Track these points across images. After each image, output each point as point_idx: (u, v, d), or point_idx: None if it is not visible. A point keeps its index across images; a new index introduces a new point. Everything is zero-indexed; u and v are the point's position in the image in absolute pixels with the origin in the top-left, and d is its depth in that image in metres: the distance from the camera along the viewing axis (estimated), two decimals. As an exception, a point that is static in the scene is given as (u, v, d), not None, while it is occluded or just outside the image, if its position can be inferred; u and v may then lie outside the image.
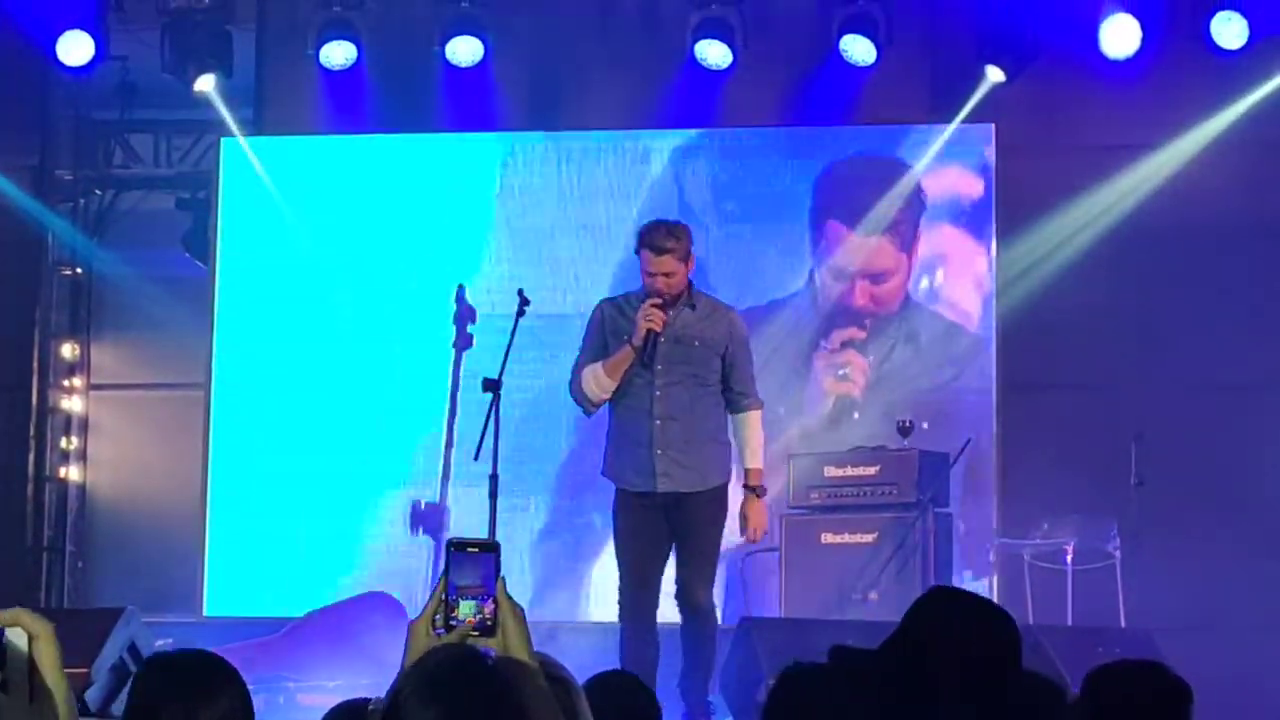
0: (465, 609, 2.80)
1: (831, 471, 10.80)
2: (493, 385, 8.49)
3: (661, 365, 7.89)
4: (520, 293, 8.76)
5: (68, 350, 13.81)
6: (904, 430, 11.03)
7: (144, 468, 13.55)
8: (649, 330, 7.82)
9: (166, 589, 12.65)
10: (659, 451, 8.00)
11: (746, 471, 8.36)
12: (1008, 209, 12.16)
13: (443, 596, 2.81)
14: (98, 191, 13.90)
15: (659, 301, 7.85)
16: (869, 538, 10.47)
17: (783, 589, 10.66)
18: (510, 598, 2.89)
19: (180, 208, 13.48)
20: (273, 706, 10.58)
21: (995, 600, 10.89)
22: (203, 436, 12.84)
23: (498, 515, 8.56)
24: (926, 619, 2.91)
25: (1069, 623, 10.41)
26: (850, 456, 11.03)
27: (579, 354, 8.28)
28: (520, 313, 8.65)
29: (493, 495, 8.45)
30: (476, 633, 2.82)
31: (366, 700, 4.86)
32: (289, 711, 10.04)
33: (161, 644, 11.21)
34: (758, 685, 8.18)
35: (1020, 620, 9.69)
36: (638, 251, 7.92)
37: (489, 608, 2.80)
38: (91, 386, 13.84)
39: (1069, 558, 10.70)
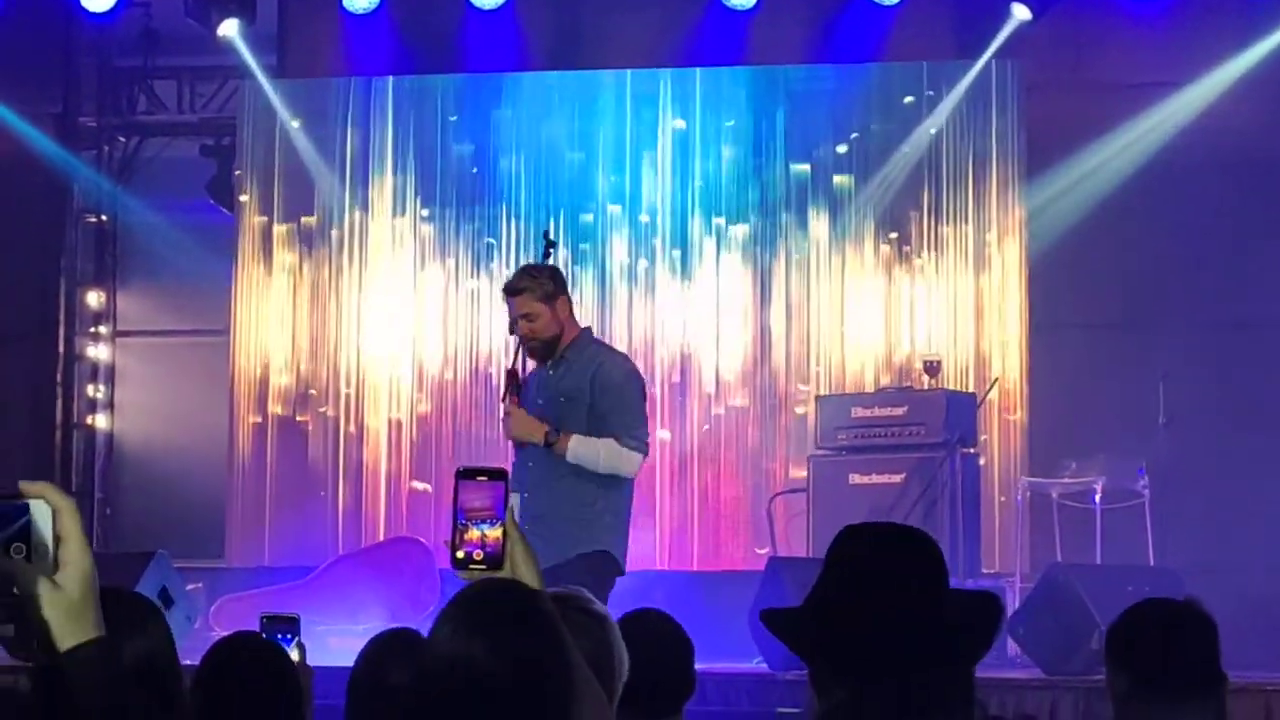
0: (474, 533, 2.84)
1: (859, 412, 10.80)
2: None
3: (515, 444, 7.21)
4: (546, 234, 8.75)
5: (93, 298, 13.83)
6: (931, 369, 11.02)
7: (171, 414, 13.59)
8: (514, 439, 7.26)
9: (193, 535, 12.70)
10: (527, 526, 7.16)
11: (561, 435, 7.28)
12: (1034, 148, 12.13)
13: (453, 524, 2.86)
14: (121, 139, 13.91)
15: (507, 407, 7.23)
16: (896, 478, 10.48)
17: (810, 529, 10.67)
18: (519, 528, 2.93)
19: (204, 154, 13.48)
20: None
21: (1025, 540, 10.96)
22: (228, 383, 12.90)
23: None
24: (845, 556, 2.94)
25: (1098, 561, 10.42)
26: (877, 397, 11.03)
27: None
28: (546, 254, 8.61)
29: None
30: (483, 566, 2.85)
31: (411, 629, 4.89)
32: (318, 654, 10.01)
33: (192, 588, 11.31)
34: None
35: (1049, 559, 9.78)
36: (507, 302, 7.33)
37: (497, 532, 2.84)
38: (118, 334, 13.87)
39: (1097, 497, 10.70)
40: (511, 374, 7.22)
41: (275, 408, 12.83)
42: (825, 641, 2.87)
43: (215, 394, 13.05)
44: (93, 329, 13.81)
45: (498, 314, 12.33)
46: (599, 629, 3.53)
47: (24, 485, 2.00)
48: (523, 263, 12.45)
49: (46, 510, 1.98)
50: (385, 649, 4.49)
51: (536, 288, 7.15)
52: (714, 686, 8.28)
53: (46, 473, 13.38)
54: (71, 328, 13.73)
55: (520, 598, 2.71)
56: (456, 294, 12.69)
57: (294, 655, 4.42)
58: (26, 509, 1.98)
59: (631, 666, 3.54)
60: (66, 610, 1.97)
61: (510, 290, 7.23)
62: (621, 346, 12.29)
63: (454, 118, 12.80)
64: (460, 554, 2.86)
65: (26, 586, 1.95)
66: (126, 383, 13.87)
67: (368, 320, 12.78)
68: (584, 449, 7.07)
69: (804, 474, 11.06)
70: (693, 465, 12.23)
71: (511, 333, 7.34)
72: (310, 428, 12.76)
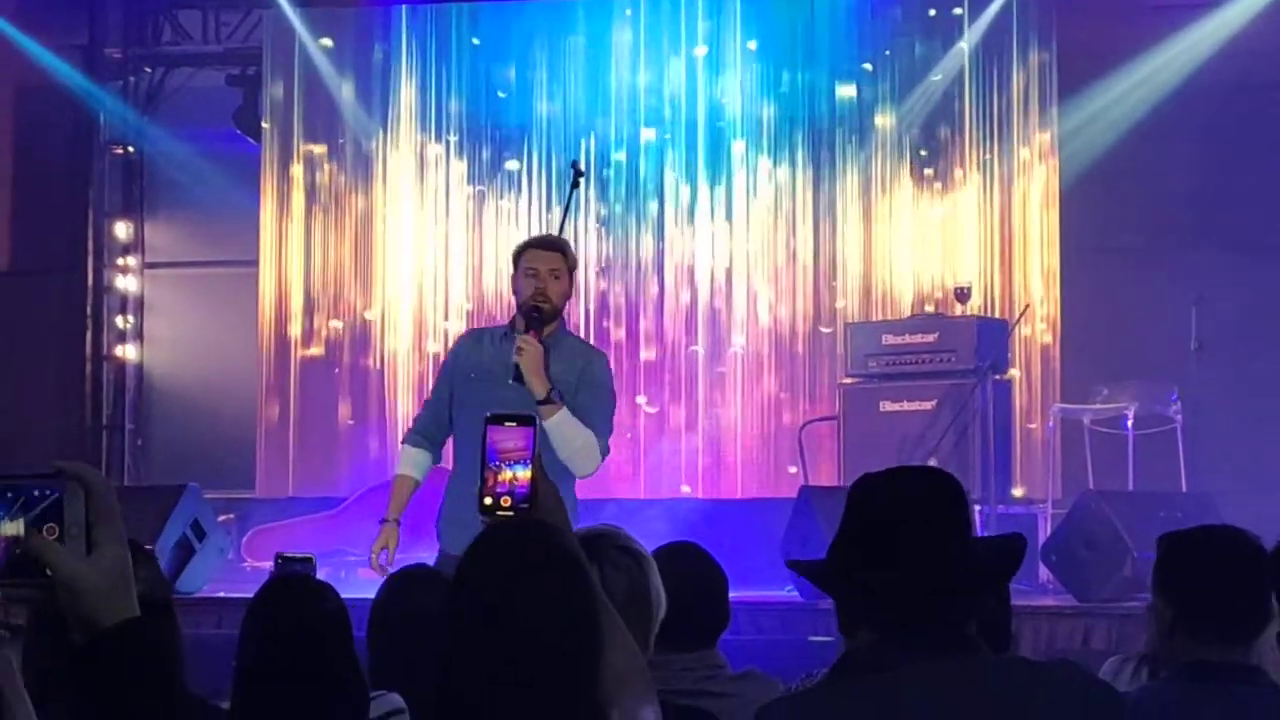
0: (506, 474, 2.85)
1: (889, 339, 10.78)
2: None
3: (515, 376, 6.58)
4: (575, 164, 8.71)
5: (122, 229, 13.85)
6: (962, 296, 10.99)
7: (199, 345, 13.62)
8: (515, 367, 6.51)
9: (223, 466, 12.76)
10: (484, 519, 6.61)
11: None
12: (1066, 70, 12.05)
13: (482, 464, 2.87)
14: (147, 69, 13.89)
15: (528, 338, 6.53)
16: (928, 405, 10.46)
17: (841, 457, 10.67)
18: (545, 474, 2.93)
19: (230, 84, 13.46)
20: (334, 580, 10.66)
21: (1057, 467, 10.94)
22: (256, 314, 12.93)
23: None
24: (865, 502, 2.94)
25: (1130, 488, 10.41)
26: (908, 324, 11.00)
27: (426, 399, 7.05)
28: (575, 184, 8.57)
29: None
30: (510, 512, 2.86)
31: (428, 565, 4.92)
32: (350, 585, 10.09)
33: (224, 519, 11.36)
34: (819, 555, 8.20)
35: (1081, 485, 9.74)
36: (517, 260, 6.69)
37: (527, 473, 2.84)
38: (146, 265, 13.89)
39: (1129, 423, 10.67)
40: (537, 312, 6.61)
41: (302, 338, 12.86)
42: (849, 587, 2.88)
43: (244, 325, 13.08)
44: (121, 260, 13.83)
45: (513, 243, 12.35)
46: (636, 567, 3.54)
47: (58, 465, 1.98)
48: (551, 189, 12.49)
49: (80, 491, 1.97)
50: (409, 582, 4.51)
51: (568, 253, 6.75)
52: (746, 615, 8.29)
53: (77, 404, 13.45)
54: (100, 259, 13.75)
55: (546, 537, 2.72)
56: (482, 222, 12.67)
57: None
58: (60, 489, 1.96)
59: (667, 600, 3.56)
60: (103, 590, 1.95)
61: (548, 245, 6.75)
62: (652, 274, 12.34)
63: (477, 41, 12.75)
64: (488, 500, 2.86)
65: (60, 567, 1.94)
66: (155, 314, 13.91)
67: (393, 249, 12.77)
68: (569, 426, 6.46)
69: (834, 403, 11.05)
70: (724, 392, 12.23)
71: (523, 298, 6.60)
72: (338, 357, 12.78)
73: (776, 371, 12.20)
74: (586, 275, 12.25)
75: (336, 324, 12.78)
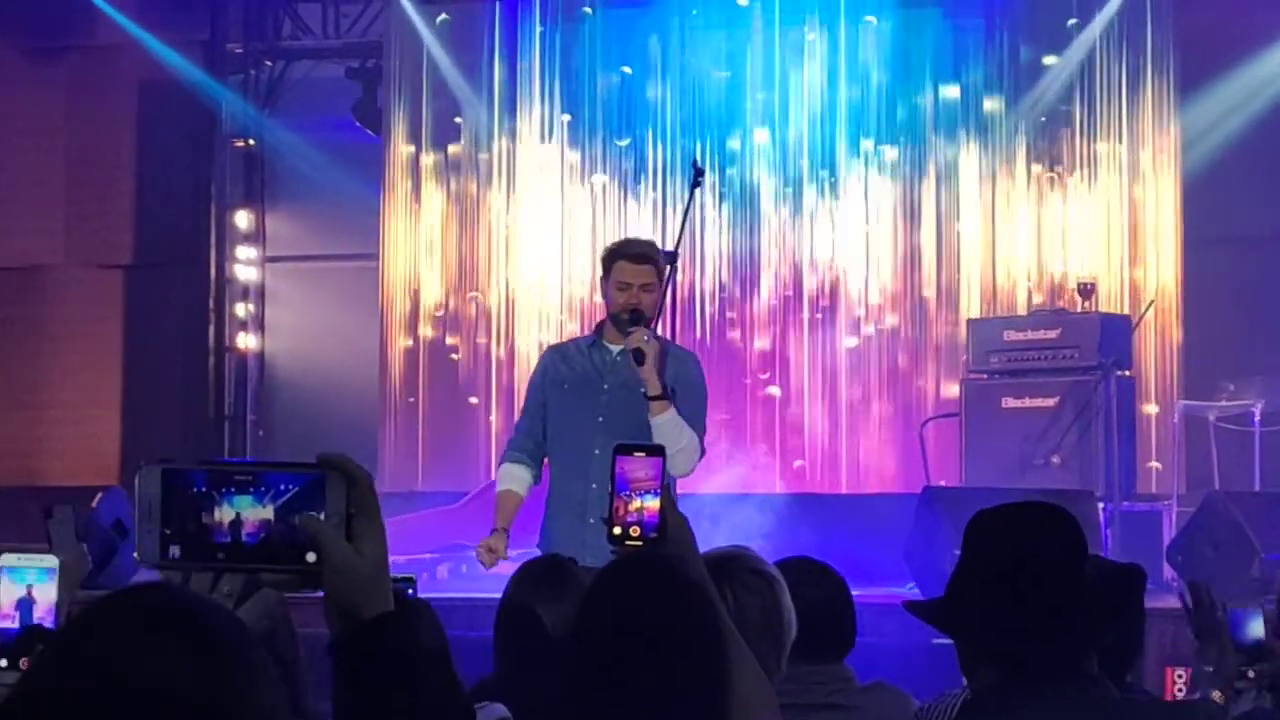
0: (635, 504, 2.91)
1: (1011, 335, 10.77)
2: (669, 258, 8.44)
3: (604, 417, 6.58)
4: (695, 163, 8.74)
5: (243, 221, 14.04)
6: (1085, 292, 10.96)
7: (321, 337, 13.78)
8: (637, 350, 6.46)
9: (346, 452, 12.91)
10: (591, 521, 6.44)
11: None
12: (1189, 62, 11.96)
13: (611, 494, 2.93)
14: (268, 63, 14.06)
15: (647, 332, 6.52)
16: (1050, 402, 10.44)
17: (964, 455, 10.68)
18: (675, 504, 2.99)
19: (350, 77, 13.60)
20: (455, 574, 10.84)
21: (1181, 464, 10.89)
22: (378, 307, 13.07)
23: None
24: (982, 542, 2.98)
25: (1256, 485, 10.34)
26: (1030, 320, 10.99)
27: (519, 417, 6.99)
28: (696, 184, 8.58)
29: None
30: (639, 542, 2.92)
31: (569, 558, 4.94)
32: (471, 580, 10.24)
33: (346, 514, 11.50)
34: (944, 556, 8.23)
35: (1205, 482, 9.69)
36: (607, 269, 6.64)
37: (656, 504, 2.91)
38: (267, 258, 14.07)
39: (1256, 419, 10.61)
40: (636, 316, 6.54)
41: (426, 331, 13.00)
42: (968, 629, 2.92)
43: (365, 317, 13.23)
44: (243, 253, 14.01)
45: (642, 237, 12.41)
46: (768, 589, 3.60)
47: (321, 456, 2.02)
48: (670, 186, 12.55)
49: (341, 481, 2.00)
50: (535, 582, 4.54)
51: (660, 263, 6.69)
52: (865, 616, 8.27)
53: (199, 395, 13.63)
54: (222, 252, 13.92)
55: (675, 570, 2.76)
56: (604, 218, 12.75)
57: None
58: (322, 478, 2.00)
59: (796, 617, 3.61)
60: (366, 581, 1.97)
61: (641, 257, 6.63)
62: (770, 269, 12.38)
63: (600, 42, 12.82)
64: (617, 530, 2.92)
65: (335, 553, 1.96)
66: (277, 305, 14.08)
67: (515, 244, 12.89)
68: (675, 426, 6.44)
69: (955, 396, 11.06)
70: (841, 386, 12.25)
71: (615, 308, 6.55)
72: (461, 351, 12.91)
73: (894, 368, 12.21)
74: (702, 271, 12.32)
75: (460, 317, 12.90)
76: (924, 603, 3.11)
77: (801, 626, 3.63)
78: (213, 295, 13.83)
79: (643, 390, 6.42)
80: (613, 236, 12.62)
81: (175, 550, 2.02)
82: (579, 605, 2.75)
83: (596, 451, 6.50)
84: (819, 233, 12.37)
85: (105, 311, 13.49)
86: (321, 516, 1.99)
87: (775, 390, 12.33)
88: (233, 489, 2.02)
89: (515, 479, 6.72)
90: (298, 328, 13.95)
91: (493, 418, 12.54)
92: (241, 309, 14.00)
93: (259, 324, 14.05)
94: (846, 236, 12.35)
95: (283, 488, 2.01)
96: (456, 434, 12.77)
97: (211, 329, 13.82)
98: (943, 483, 11.08)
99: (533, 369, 6.94)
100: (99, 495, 9.83)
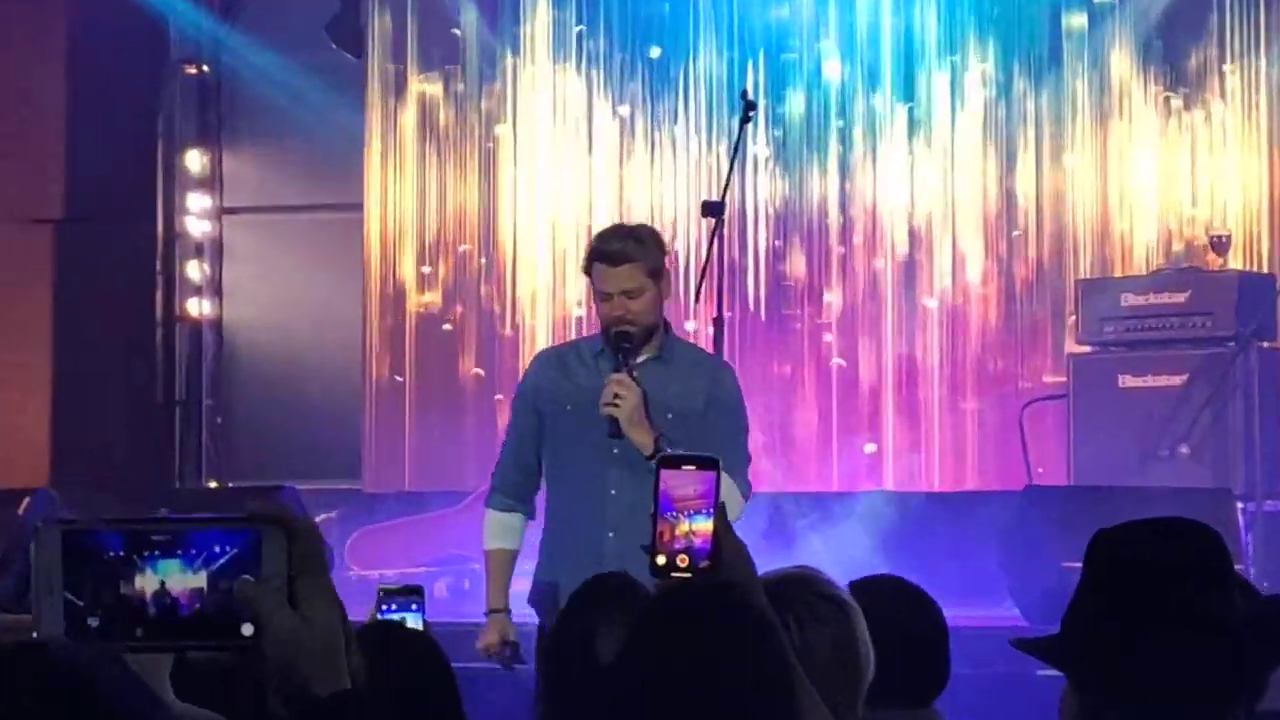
0: (684, 527, 2.92)
1: (1130, 300, 10.75)
2: (714, 209, 8.47)
3: (619, 448, 6.35)
4: (744, 94, 8.73)
5: (195, 164, 14.01)
6: (1220, 246, 10.94)
7: (290, 304, 13.72)
8: (611, 420, 6.29)
9: (321, 451, 12.93)
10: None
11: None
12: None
13: (654, 515, 2.93)
14: (226, -30, 14.07)
15: (623, 378, 6.33)
16: (1177, 379, 10.43)
17: (1071, 445, 10.67)
18: (729, 526, 2.99)
19: (325, -11, 13.58)
20: (457, 592, 10.84)
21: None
22: (360, 268, 13.11)
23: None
24: (1107, 567, 2.99)
25: None
26: (1153, 281, 10.96)
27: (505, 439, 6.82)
28: (745, 119, 8.59)
29: (717, 340, 8.46)
30: (687, 573, 2.93)
31: (625, 576, 4.92)
32: (476, 599, 10.22)
33: (323, 519, 11.54)
34: (1049, 569, 8.24)
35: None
36: (588, 270, 6.57)
37: (709, 526, 2.92)
38: (225, 209, 14.06)
39: None
40: (627, 341, 6.38)
41: (416, 296, 13.00)
42: (1093, 669, 2.93)
43: (346, 279, 13.24)
44: (195, 203, 13.99)
45: (681, 179, 12.43)
46: (843, 617, 3.59)
47: (252, 509, 2.05)
48: (715, 120, 12.53)
49: (280, 536, 2.03)
50: (599, 603, 4.56)
51: (645, 257, 6.43)
52: (958, 642, 8.28)
53: (144, 377, 13.63)
54: (170, 202, 13.93)
55: (732, 604, 2.76)
56: (631, 157, 12.75)
57: (417, 626, 4.49)
58: (257, 535, 2.03)
59: (874, 651, 3.62)
60: (314, 653, 1.99)
61: (617, 255, 6.42)
62: (835, 221, 12.36)
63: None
64: (661, 559, 2.93)
65: (278, 623, 1.99)
66: (237, 266, 14.06)
67: (526, 190, 12.89)
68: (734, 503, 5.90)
69: (1062, 377, 11.05)
70: (925, 364, 12.26)
71: (605, 323, 6.47)
72: (460, 321, 12.91)
73: (988, 339, 12.19)
74: (756, 225, 12.32)
75: (459, 280, 12.91)
76: (1039, 640, 3.11)
77: (881, 663, 3.64)
78: (160, 254, 13.84)
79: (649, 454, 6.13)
80: (643, 181, 12.65)
81: (93, 622, 2.04)
82: (620, 648, 2.76)
83: (613, 491, 6.35)
84: (894, 175, 12.35)
85: (30, 275, 13.47)
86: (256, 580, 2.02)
87: (839, 362, 12.33)
88: (156, 552, 2.04)
89: (505, 532, 6.50)
90: (262, 293, 13.93)
91: (498, 398, 12.52)
92: (194, 270, 13.99)
93: (215, 288, 14.04)
94: (927, 179, 12.32)
95: (216, 549, 2.04)
96: (454, 420, 12.77)
97: (159, 295, 13.83)
98: (1040, 470, 11.09)
99: (520, 383, 6.77)
100: (25, 500, 9.87)
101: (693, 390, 6.46)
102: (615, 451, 6.34)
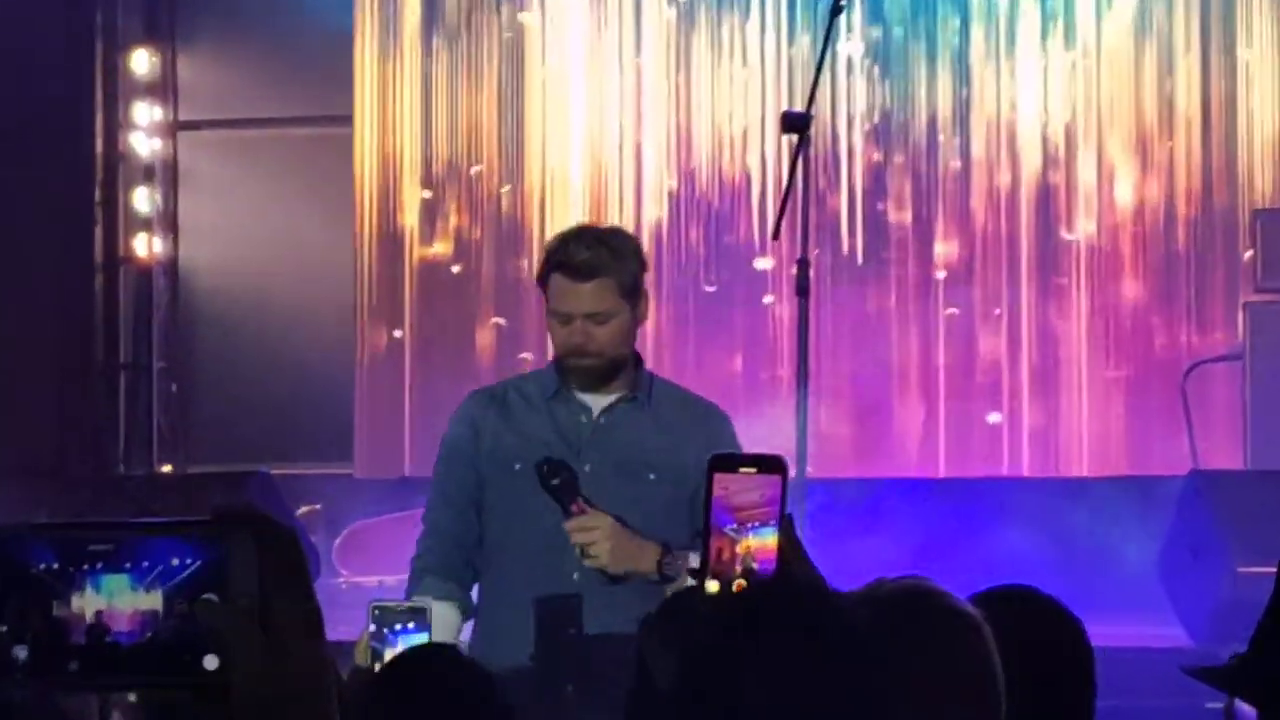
0: (745, 544, 2.95)
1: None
2: (797, 122, 8.48)
3: (585, 517, 6.05)
4: (833, -13, 8.71)
5: (142, 66, 14.04)
6: None
7: (262, 241, 13.76)
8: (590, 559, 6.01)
9: (302, 428, 12.97)
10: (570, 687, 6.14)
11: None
12: None
13: (705, 530, 2.96)
14: None
15: (579, 522, 5.98)
16: (1382, 335, 10.47)
17: (1247, 419, 10.67)
18: (798, 541, 3.02)
19: None
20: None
21: None
22: (350, 201, 13.19)
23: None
24: None
25: None
26: (1352, 209, 11.02)
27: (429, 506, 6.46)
28: (836, 11, 8.57)
29: (802, 292, 8.45)
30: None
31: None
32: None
33: (304, 511, 11.61)
34: (1220, 574, 8.27)
35: None
36: (543, 281, 6.25)
37: (773, 541, 2.95)
38: (180, 124, 14.11)
39: None
40: (556, 465, 6.05)
41: (420, 233, 13.04)
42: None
43: (328, 211, 13.32)
44: (142, 114, 14.02)
45: (754, 85, 12.45)
46: (977, 641, 3.62)
47: (219, 509, 2.04)
48: (796, 10, 12.55)
49: (250, 545, 2.02)
50: (653, 625, 4.61)
51: (619, 272, 6.13)
52: (1106, 666, 8.29)
53: (81, 331, 13.68)
54: (111, 115, 13.98)
55: (815, 612, 2.80)
56: (689, 58, 12.79)
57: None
58: (222, 545, 2.02)
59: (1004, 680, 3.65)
60: (291, 691, 1.99)
61: (577, 270, 6.12)
62: (951, 135, 12.36)
63: None
64: (714, 585, 2.96)
65: (237, 655, 1.98)
66: (195, 194, 14.09)
67: (554, 101, 12.96)
68: None
69: (1236, 333, 11.06)
70: (1061, 315, 12.28)
71: (563, 356, 6.24)
72: (469, 266, 12.95)
73: (1142, 281, 12.20)
74: (852, 139, 12.33)
75: (464, 209, 12.95)
76: (1218, 668, 3.14)
77: (1013, 694, 3.66)
78: (99, 181, 13.90)
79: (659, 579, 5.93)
80: (704, 86, 12.67)
81: (21, 652, 2.02)
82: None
83: (575, 575, 6.05)
84: (1022, 81, 12.36)
85: (-62, 206, 13.58)
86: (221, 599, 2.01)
87: (952, 312, 12.35)
88: (99, 565, 2.03)
89: (442, 630, 5.71)
90: (227, 228, 13.95)
91: (523, 356, 12.56)
92: (142, 200, 14.03)
93: (168, 222, 14.08)
94: (1062, 86, 12.33)
95: (174, 562, 2.02)
96: (467, 386, 12.71)
97: (98, 230, 13.90)
98: (1203, 445, 11.09)
99: (450, 426, 6.39)
100: None
101: (678, 444, 6.16)
102: (580, 518, 6.01)
